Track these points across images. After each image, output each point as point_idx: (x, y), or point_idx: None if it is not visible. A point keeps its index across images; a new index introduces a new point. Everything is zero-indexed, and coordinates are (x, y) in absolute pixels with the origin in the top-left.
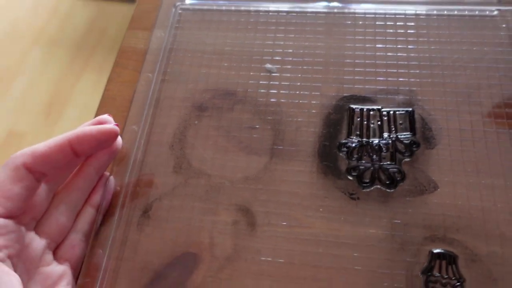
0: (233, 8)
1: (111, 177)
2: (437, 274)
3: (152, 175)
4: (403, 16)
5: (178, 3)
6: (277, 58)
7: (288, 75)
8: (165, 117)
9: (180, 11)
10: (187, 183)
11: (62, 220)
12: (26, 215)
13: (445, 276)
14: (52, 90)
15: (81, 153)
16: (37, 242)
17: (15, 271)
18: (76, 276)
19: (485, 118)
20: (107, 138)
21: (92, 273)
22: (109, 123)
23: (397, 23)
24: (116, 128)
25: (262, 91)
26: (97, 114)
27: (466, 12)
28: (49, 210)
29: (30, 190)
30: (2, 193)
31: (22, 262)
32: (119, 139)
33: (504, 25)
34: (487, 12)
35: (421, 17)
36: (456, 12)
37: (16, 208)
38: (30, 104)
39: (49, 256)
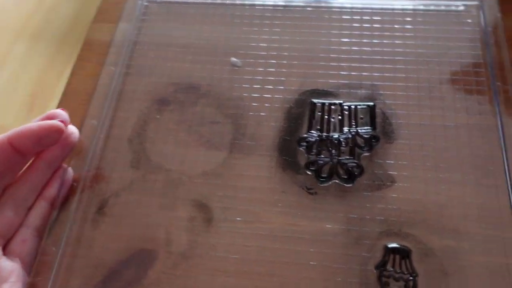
0: (199, 1)
1: (69, 169)
2: (391, 269)
3: (110, 170)
4: (369, 11)
5: None
6: (242, 52)
7: (252, 69)
8: (126, 111)
9: (146, 4)
10: (145, 178)
11: (10, 215)
12: None
13: (398, 271)
14: (35, 84)
15: (24, 151)
16: None
17: None
18: (28, 271)
19: (445, 113)
20: (48, 134)
21: (45, 271)
22: (60, 117)
23: (363, 18)
24: (59, 123)
25: (225, 85)
26: (59, 106)
27: (432, 7)
28: None
29: None
30: None
31: None
32: (76, 133)
33: (469, 20)
34: (453, 7)
35: (387, 11)
36: (422, 7)
37: None
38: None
39: None
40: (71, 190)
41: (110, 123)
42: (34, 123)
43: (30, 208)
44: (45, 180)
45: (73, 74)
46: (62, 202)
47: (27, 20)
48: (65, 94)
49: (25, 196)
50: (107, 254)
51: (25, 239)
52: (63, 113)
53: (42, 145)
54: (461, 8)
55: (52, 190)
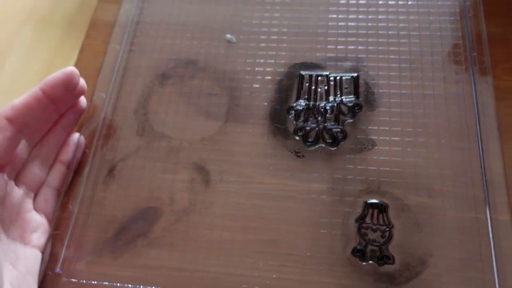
0: None
1: (81, 137)
2: (369, 222)
3: (117, 138)
4: None
5: None
6: (236, 29)
7: (246, 44)
8: (131, 85)
9: None
10: (149, 145)
11: (37, 172)
12: (7, 165)
13: (376, 223)
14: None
15: (55, 97)
16: (16, 191)
17: None
18: (50, 225)
19: (424, 83)
20: (70, 78)
21: (63, 226)
22: (74, 73)
23: None
24: (75, 69)
25: (221, 60)
26: None
27: None
28: (25, 163)
29: (12, 141)
30: None
31: (4, 207)
32: (84, 100)
33: None
34: None
35: None
36: None
37: None
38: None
39: (29, 204)
40: (84, 155)
41: (117, 95)
42: (57, 72)
43: (50, 167)
44: (61, 141)
45: (81, 51)
46: (76, 166)
47: (35, 4)
48: None
49: (48, 156)
50: (117, 211)
51: (47, 198)
52: (75, 69)
53: (69, 89)
54: None
55: (68, 155)
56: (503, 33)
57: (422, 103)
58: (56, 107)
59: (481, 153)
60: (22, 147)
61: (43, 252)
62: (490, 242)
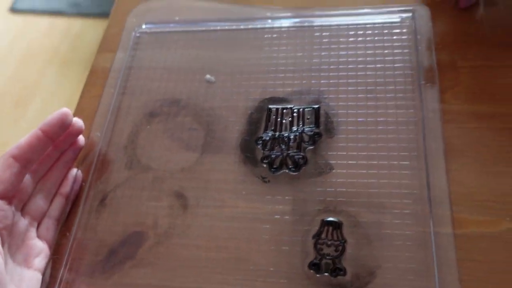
0: (179, 30)
1: (79, 171)
2: (324, 238)
3: (109, 171)
4: (319, 28)
5: (136, 28)
6: (215, 69)
7: (222, 83)
8: (122, 124)
9: (138, 35)
10: (136, 177)
11: (40, 204)
12: (15, 198)
13: (330, 239)
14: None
15: (51, 135)
16: (22, 221)
17: (4, 242)
18: (51, 251)
19: (378, 111)
20: (64, 117)
21: (61, 251)
22: (67, 113)
23: (315, 34)
24: (68, 109)
25: (201, 98)
26: None
27: (372, 21)
28: (31, 195)
29: (18, 175)
30: None
31: (11, 236)
32: (82, 138)
33: (404, 30)
34: (390, 20)
35: (333, 27)
36: (363, 22)
37: (6, 190)
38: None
39: (32, 233)
40: (81, 188)
41: (110, 133)
42: (53, 114)
43: (51, 200)
44: (62, 176)
45: (82, 96)
46: (74, 197)
47: (56, 48)
48: (76, 113)
49: (50, 189)
50: (107, 236)
51: (48, 227)
52: (69, 110)
53: (63, 127)
54: (397, 20)
55: (67, 188)
56: (453, 61)
57: (375, 129)
58: (55, 144)
59: (427, 172)
60: (28, 181)
61: (43, 274)
62: (432, 253)
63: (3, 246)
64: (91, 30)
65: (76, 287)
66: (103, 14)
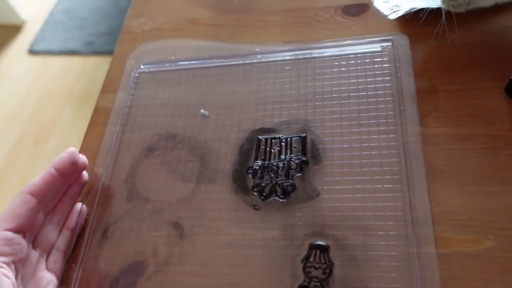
0: (175, 68)
1: (84, 206)
2: (312, 261)
3: (111, 204)
4: (305, 60)
5: (135, 69)
6: (208, 104)
7: (216, 117)
8: (123, 159)
9: (137, 75)
10: (136, 208)
11: (50, 236)
12: (28, 231)
13: (318, 262)
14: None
15: (63, 172)
16: (34, 253)
17: (17, 273)
18: (58, 282)
19: (362, 137)
20: (72, 156)
21: (68, 281)
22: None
23: (300, 66)
24: (75, 148)
25: (196, 131)
26: None
27: (354, 51)
28: (41, 228)
29: (33, 211)
30: (14, 213)
31: (23, 267)
32: (85, 174)
33: (385, 58)
34: (371, 49)
35: (319, 59)
36: (345, 52)
37: (23, 225)
38: None
39: (42, 264)
40: (85, 221)
41: (111, 169)
42: (62, 153)
43: (59, 232)
44: (69, 210)
45: (86, 135)
46: (79, 230)
47: (72, 88)
48: (81, 151)
49: (58, 222)
50: (110, 266)
51: (56, 260)
52: (75, 149)
53: (73, 164)
54: (378, 49)
55: (72, 221)
56: (433, 86)
57: (360, 154)
58: (65, 180)
59: (409, 194)
60: (40, 215)
61: None
62: (416, 273)
63: (16, 278)
64: (104, 68)
65: None
66: None
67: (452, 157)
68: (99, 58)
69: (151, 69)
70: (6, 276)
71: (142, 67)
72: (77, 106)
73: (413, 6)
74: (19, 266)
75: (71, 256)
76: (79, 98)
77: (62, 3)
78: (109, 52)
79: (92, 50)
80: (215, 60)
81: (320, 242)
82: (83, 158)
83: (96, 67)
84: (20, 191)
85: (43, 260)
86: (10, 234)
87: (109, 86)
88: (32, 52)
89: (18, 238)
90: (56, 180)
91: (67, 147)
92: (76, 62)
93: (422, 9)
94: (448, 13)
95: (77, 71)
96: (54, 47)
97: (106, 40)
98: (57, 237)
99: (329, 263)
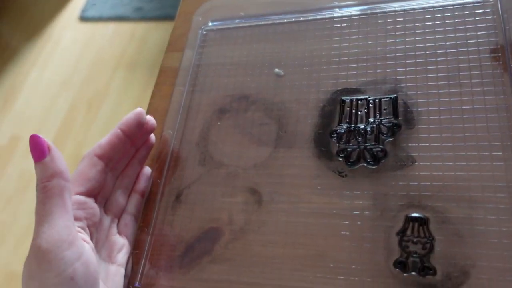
0: (245, 25)
1: (149, 169)
2: (410, 234)
3: (183, 168)
4: (392, 13)
5: (203, 26)
6: (283, 63)
7: (292, 76)
8: (194, 121)
9: (205, 32)
10: (209, 173)
11: (120, 200)
12: (99, 195)
13: (416, 236)
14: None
15: (129, 134)
16: (105, 217)
17: (92, 238)
18: (131, 246)
19: (463, 98)
20: (139, 116)
21: (141, 246)
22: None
23: (388, 20)
24: (142, 109)
25: (271, 92)
26: None
27: (452, 1)
28: (112, 193)
29: (102, 173)
30: (83, 176)
31: (97, 232)
32: (153, 136)
33: (488, 10)
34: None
35: (408, 12)
36: (439, 3)
37: (93, 188)
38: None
39: (114, 229)
40: (156, 185)
41: (182, 131)
42: (129, 114)
43: (129, 195)
44: (137, 173)
45: (152, 96)
46: (147, 195)
47: (123, 53)
48: (148, 113)
49: (128, 186)
50: (184, 232)
51: (127, 223)
52: (143, 110)
53: (139, 125)
54: None
55: (141, 185)
56: None
57: (461, 118)
58: (132, 142)
59: None
60: (109, 179)
61: (125, 269)
62: None
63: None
64: (154, 33)
65: (154, 281)
66: (165, 17)
67: None
68: (148, 23)
69: (220, 27)
70: (85, 241)
71: (210, 24)
72: (128, 71)
73: None
74: (93, 230)
75: (143, 220)
76: (130, 63)
77: None
78: (158, 17)
79: (141, 15)
80: (289, 15)
81: (418, 214)
82: (151, 119)
83: (145, 33)
84: (86, 152)
85: (115, 225)
86: (82, 198)
87: (175, 45)
88: (83, 18)
89: (90, 202)
90: (122, 142)
91: (120, 112)
92: (125, 28)
93: None
94: None
95: (127, 37)
96: (104, 14)
97: (155, 5)
98: (126, 201)
99: (430, 238)
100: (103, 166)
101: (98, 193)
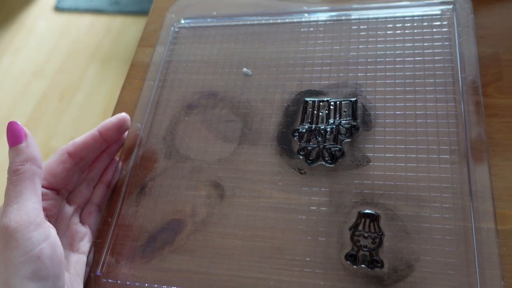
0: (217, 24)
1: (120, 162)
2: (361, 230)
3: (148, 161)
4: (357, 21)
5: (175, 23)
6: (251, 63)
7: (260, 76)
8: (162, 115)
9: (177, 30)
10: (175, 166)
11: (85, 192)
12: (63, 189)
13: (367, 231)
14: (106, 102)
15: (107, 137)
16: (67, 208)
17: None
18: (93, 235)
19: (417, 103)
20: (123, 123)
21: (103, 236)
22: (126, 118)
23: (352, 27)
24: (127, 115)
25: (238, 91)
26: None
27: (410, 14)
28: (77, 185)
29: (69, 171)
30: (49, 171)
31: (57, 222)
32: (125, 134)
33: (444, 22)
34: (430, 12)
35: (372, 21)
36: (401, 14)
37: (57, 183)
38: (89, 114)
39: (76, 218)
40: (121, 176)
41: (150, 125)
42: (112, 117)
43: (94, 187)
44: (105, 167)
45: (123, 89)
46: (114, 185)
47: (98, 45)
48: (117, 105)
49: (94, 178)
50: (147, 223)
51: (90, 212)
52: (126, 114)
53: (121, 131)
54: (437, 12)
55: (108, 176)
56: (496, 53)
57: (414, 122)
58: (107, 143)
59: (468, 166)
60: (76, 174)
61: (87, 257)
62: (474, 248)
63: None
64: (130, 27)
65: (116, 270)
66: (141, 12)
67: None
68: (125, 17)
69: (192, 24)
70: (51, 227)
71: (182, 21)
72: (102, 64)
73: None
74: (52, 221)
75: (108, 211)
76: (105, 56)
77: None
78: (135, 12)
79: (118, 9)
80: (259, 18)
81: (370, 211)
82: (128, 121)
83: (121, 27)
84: (60, 148)
85: (77, 215)
86: (43, 190)
87: (147, 40)
88: (58, 9)
89: (51, 194)
90: (97, 144)
91: (92, 104)
92: (102, 21)
93: None
94: None
95: (103, 30)
96: (80, 5)
97: (132, 0)
98: (92, 192)
99: (379, 233)
100: (72, 164)
101: (63, 187)
